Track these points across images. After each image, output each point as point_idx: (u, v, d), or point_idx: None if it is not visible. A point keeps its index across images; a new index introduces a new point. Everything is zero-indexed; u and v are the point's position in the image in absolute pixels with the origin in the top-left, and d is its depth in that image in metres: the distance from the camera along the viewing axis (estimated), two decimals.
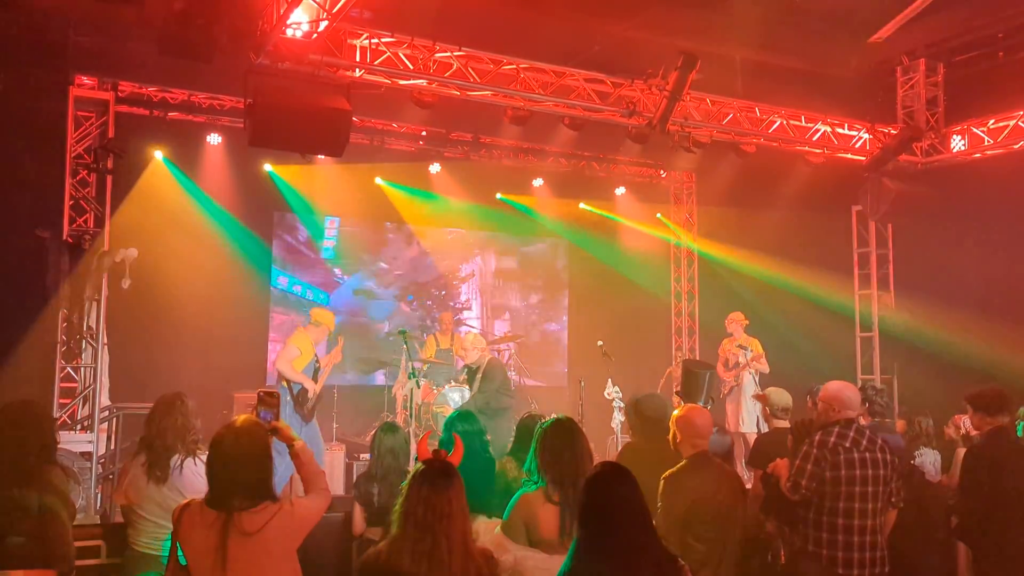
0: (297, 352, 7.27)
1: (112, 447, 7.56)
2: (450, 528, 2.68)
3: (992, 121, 9.04)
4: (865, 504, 4.31)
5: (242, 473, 2.91)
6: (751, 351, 9.68)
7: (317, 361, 7.46)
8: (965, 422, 6.34)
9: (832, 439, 4.36)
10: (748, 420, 9.52)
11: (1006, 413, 4.96)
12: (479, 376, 8.07)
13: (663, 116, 7.95)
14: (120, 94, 8.89)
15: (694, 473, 4.00)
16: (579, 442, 3.68)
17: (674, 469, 4.04)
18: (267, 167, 10.60)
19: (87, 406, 7.69)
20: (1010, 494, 4.74)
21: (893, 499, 4.49)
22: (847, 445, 4.34)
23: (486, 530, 3.93)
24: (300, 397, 7.14)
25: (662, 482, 3.97)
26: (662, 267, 13.11)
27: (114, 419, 7.56)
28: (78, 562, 4.02)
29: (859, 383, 9.26)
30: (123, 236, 8.27)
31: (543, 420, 4.24)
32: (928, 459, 6.19)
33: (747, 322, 9.85)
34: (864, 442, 4.39)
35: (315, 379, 7.34)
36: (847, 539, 4.28)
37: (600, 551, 2.66)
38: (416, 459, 3.01)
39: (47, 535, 3.36)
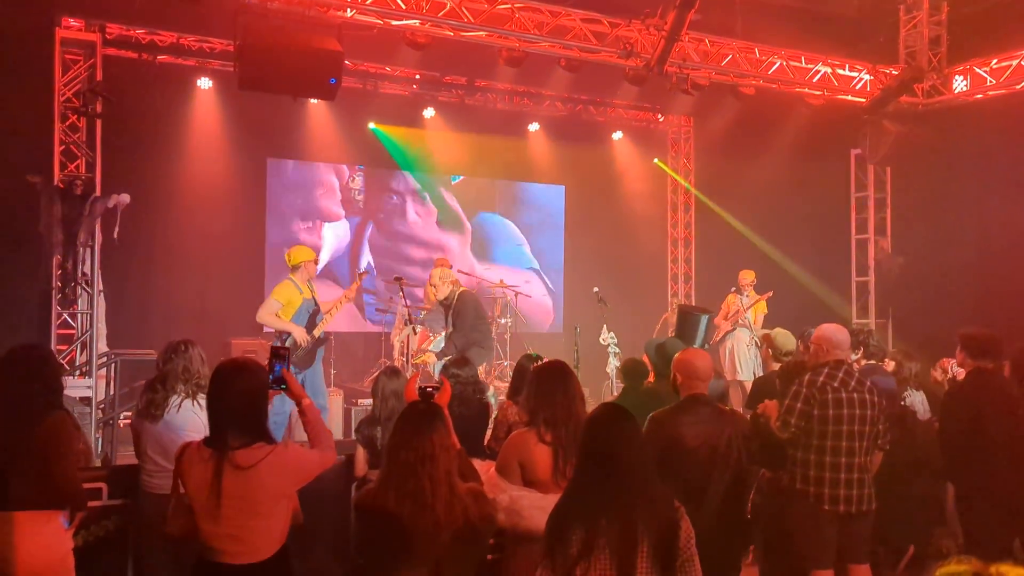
0: (278, 304, 7.14)
1: (111, 392, 7.61)
2: (433, 470, 2.70)
3: (995, 61, 8.92)
4: (852, 443, 4.38)
5: (237, 407, 2.94)
6: (748, 296, 9.72)
7: (316, 305, 7.35)
8: (952, 366, 6.38)
9: (821, 379, 4.42)
10: (744, 368, 9.60)
11: (991, 358, 4.94)
12: (450, 314, 7.45)
13: (661, 57, 7.83)
14: (108, 36, 8.74)
15: (681, 414, 4.03)
16: (571, 384, 3.70)
17: (661, 410, 4.07)
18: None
19: (85, 352, 7.73)
20: (992, 434, 4.76)
21: (880, 441, 4.56)
22: (835, 385, 4.40)
23: (480, 471, 3.98)
24: (291, 345, 7.15)
25: (647, 421, 4.00)
26: (659, 213, 13.07)
27: (112, 365, 7.59)
28: None
29: (853, 327, 9.31)
30: (115, 181, 8.20)
31: (538, 362, 4.28)
32: (916, 399, 6.25)
33: (755, 282, 9.86)
34: (852, 383, 4.45)
35: (314, 323, 7.30)
36: (834, 476, 4.35)
37: (597, 489, 2.70)
38: None
39: (53, 477, 3.40)
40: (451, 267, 11.00)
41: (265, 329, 10.28)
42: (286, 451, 2.98)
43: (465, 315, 7.31)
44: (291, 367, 6.90)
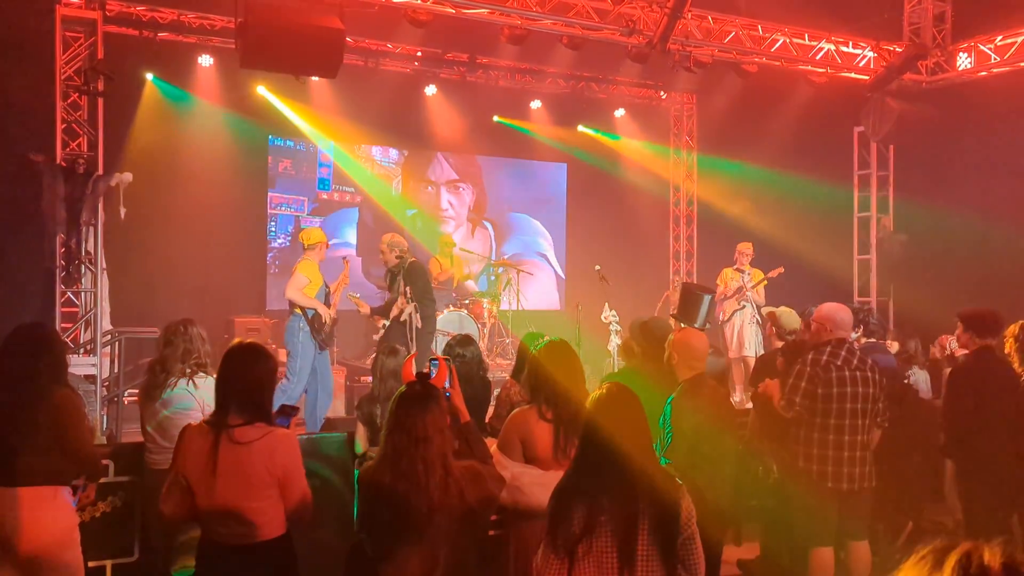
0: (306, 280, 7.14)
1: (115, 370, 7.67)
2: (426, 451, 2.71)
3: (1000, 38, 8.86)
4: (855, 421, 4.42)
5: (245, 389, 2.99)
6: (750, 274, 9.69)
7: (327, 287, 7.35)
8: (951, 343, 6.39)
9: (825, 358, 4.44)
10: (748, 344, 9.58)
11: (995, 335, 4.96)
12: (400, 279, 7.46)
13: (663, 35, 7.79)
14: (108, 14, 8.69)
15: (695, 395, 4.07)
16: (572, 362, 3.72)
17: (677, 393, 4.10)
18: (261, 89, 10.39)
19: (89, 330, 7.76)
20: (994, 412, 4.79)
21: (879, 418, 4.59)
22: (839, 364, 4.43)
23: None
24: (315, 323, 7.08)
25: (671, 406, 4.03)
26: (661, 191, 13.04)
27: (116, 343, 7.64)
28: (87, 480, 4.14)
29: (854, 305, 9.31)
30: (117, 159, 8.21)
31: (541, 340, 4.30)
32: (920, 378, 6.28)
33: (752, 255, 9.72)
34: (855, 361, 4.48)
35: (329, 304, 7.26)
36: (837, 455, 4.40)
37: (598, 468, 2.72)
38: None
39: (69, 446, 3.44)
40: (455, 245, 11.06)
41: (268, 307, 10.40)
42: (283, 436, 3.02)
43: (415, 285, 7.41)
44: (320, 346, 6.97)
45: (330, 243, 7.68)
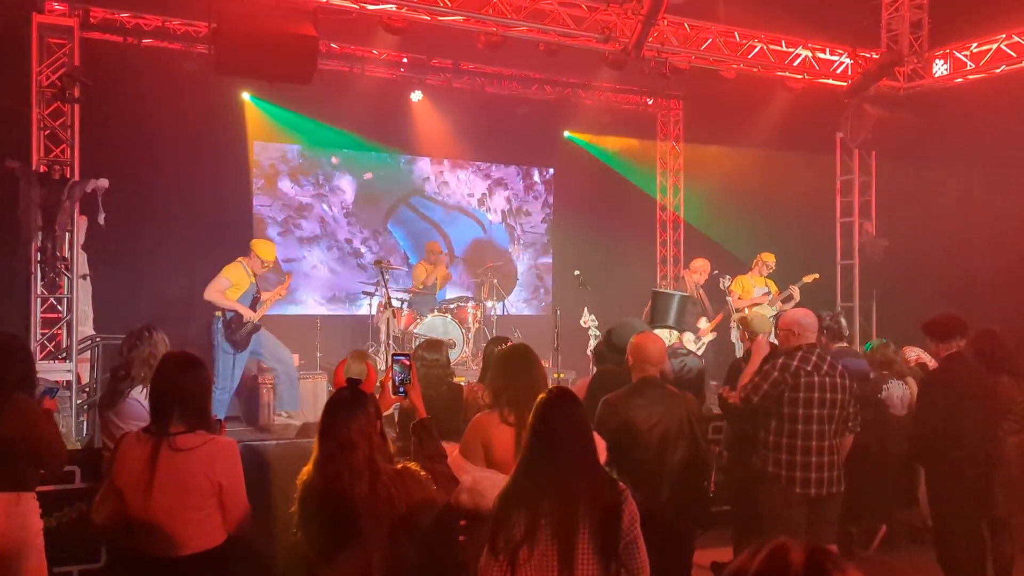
0: (228, 283, 7.30)
1: (95, 376, 7.67)
2: (351, 457, 2.71)
3: (975, 45, 8.90)
4: (823, 426, 4.45)
5: (183, 399, 3.00)
6: (773, 299, 9.39)
7: (258, 292, 7.49)
8: (926, 356, 6.29)
9: (795, 363, 4.49)
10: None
11: (959, 337, 4.97)
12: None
13: (638, 41, 7.81)
14: (92, 20, 8.72)
15: (633, 397, 4.08)
16: (534, 367, 3.75)
17: (614, 393, 4.13)
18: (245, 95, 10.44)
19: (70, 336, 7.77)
20: (964, 419, 4.81)
21: (850, 423, 4.62)
22: (808, 369, 4.47)
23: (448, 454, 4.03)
24: (233, 323, 7.23)
25: (600, 405, 4.05)
26: (647, 196, 13.07)
27: (96, 348, 7.64)
28: (53, 487, 4.15)
29: (838, 309, 9.35)
30: (102, 166, 8.19)
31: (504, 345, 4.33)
32: (895, 392, 6.12)
33: (773, 268, 9.48)
34: (824, 367, 4.52)
35: (254, 309, 7.40)
36: (805, 460, 4.43)
37: (541, 470, 2.75)
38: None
39: (32, 453, 3.44)
40: (441, 251, 11.06)
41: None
42: (225, 444, 3.04)
43: None
44: (229, 345, 7.15)
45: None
